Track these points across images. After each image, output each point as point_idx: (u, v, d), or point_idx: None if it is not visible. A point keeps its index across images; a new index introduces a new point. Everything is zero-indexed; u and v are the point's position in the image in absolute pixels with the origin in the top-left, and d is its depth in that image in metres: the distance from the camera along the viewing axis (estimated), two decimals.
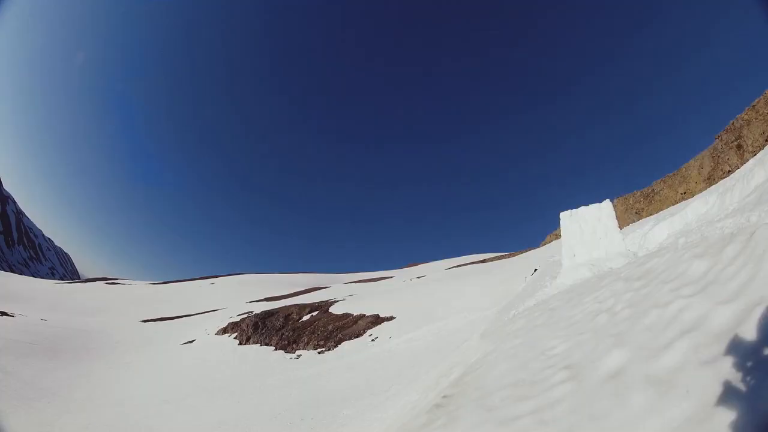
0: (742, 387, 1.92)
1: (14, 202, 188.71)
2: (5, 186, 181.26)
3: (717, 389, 2.01)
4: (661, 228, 11.81)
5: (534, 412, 3.45)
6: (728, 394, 1.93)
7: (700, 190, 21.52)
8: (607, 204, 11.25)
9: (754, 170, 9.86)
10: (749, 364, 2.00)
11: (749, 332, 2.22)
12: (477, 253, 70.78)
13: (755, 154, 14.58)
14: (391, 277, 54.92)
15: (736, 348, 2.17)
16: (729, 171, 19.66)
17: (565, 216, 12.21)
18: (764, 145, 16.83)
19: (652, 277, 4.71)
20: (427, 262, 76.72)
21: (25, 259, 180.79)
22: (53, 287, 63.88)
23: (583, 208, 11.92)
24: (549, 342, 5.50)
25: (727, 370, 2.08)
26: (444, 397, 5.71)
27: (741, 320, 2.36)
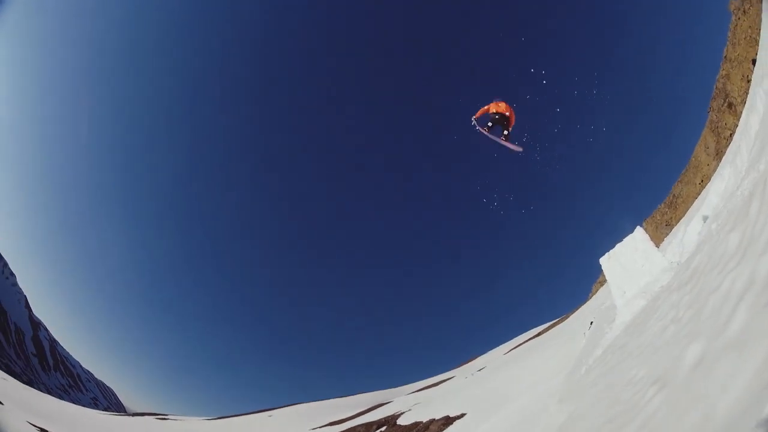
0: None
1: (46, 329, 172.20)
2: (35, 313, 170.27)
3: None
4: (694, 226, 11.65)
5: (640, 428, 3.38)
6: None
7: (714, 169, 20.52)
8: (638, 231, 11.38)
9: (749, 120, 9.90)
10: None
11: None
12: (530, 329, 67.00)
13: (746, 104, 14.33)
14: (452, 377, 51.50)
15: None
16: (731, 134, 19.01)
17: (604, 260, 12.32)
18: (748, 88, 16.40)
19: (699, 273, 4.79)
20: (483, 353, 72.44)
21: (64, 386, 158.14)
22: (100, 416, 56.51)
23: (618, 246, 12.02)
24: (629, 373, 5.34)
25: None
26: None
27: None
